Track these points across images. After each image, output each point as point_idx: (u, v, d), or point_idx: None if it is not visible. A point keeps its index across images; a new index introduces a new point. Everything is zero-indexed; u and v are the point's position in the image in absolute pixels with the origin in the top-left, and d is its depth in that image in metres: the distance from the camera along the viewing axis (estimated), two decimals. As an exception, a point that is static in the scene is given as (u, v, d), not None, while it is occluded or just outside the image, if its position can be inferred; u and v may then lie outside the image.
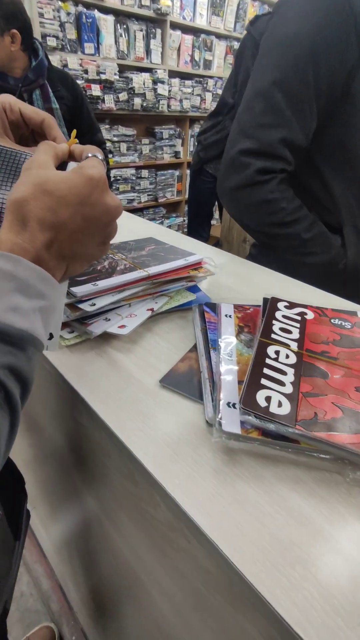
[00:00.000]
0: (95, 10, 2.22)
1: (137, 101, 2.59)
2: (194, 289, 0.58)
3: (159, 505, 0.32)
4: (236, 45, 2.97)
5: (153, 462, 0.32)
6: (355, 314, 0.48)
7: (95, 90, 2.36)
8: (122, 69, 2.48)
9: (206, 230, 2.30)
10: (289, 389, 0.35)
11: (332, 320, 0.46)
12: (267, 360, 0.38)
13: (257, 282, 0.66)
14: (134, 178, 2.89)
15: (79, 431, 0.46)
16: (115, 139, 2.66)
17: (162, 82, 2.66)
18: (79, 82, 2.24)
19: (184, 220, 3.35)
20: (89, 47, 2.28)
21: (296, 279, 0.67)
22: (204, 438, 0.35)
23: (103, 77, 2.35)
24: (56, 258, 0.30)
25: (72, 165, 0.36)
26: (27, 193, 0.28)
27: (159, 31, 2.57)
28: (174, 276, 0.52)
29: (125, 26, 2.40)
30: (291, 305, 0.48)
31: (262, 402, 0.33)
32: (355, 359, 0.39)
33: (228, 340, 0.43)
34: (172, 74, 2.77)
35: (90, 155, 0.33)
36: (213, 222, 3.30)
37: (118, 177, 2.80)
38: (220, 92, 2.98)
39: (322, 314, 0.47)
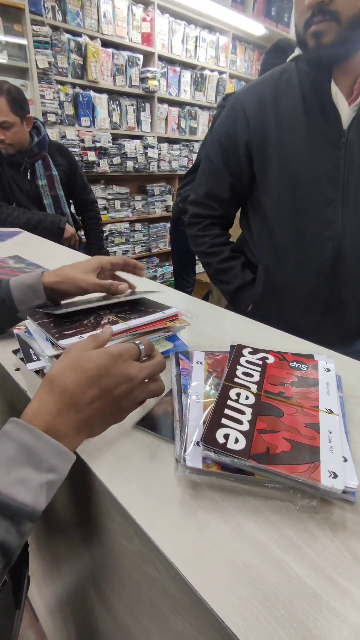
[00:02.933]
0: (91, 90, 2.52)
1: (130, 164, 2.84)
2: (173, 338, 0.64)
3: (132, 538, 0.36)
4: (218, 113, 3.31)
5: (127, 497, 0.36)
6: (312, 357, 0.54)
7: (91, 156, 2.60)
8: (115, 137, 2.75)
9: (191, 276, 2.41)
10: (245, 426, 0.39)
11: (290, 364, 0.52)
12: (229, 402, 0.43)
13: (230, 328, 0.73)
14: (127, 231, 3.08)
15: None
16: (109, 197, 2.88)
17: (152, 147, 2.94)
18: (75, 150, 2.48)
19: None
20: (85, 121, 2.55)
21: (267, 324, 0.74)
22: (173, 475, 0.39)
23: (98, 144, 2.61)
24: (75, 426, 0.33)
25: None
26: (58, 370, 0.35)
27: (147, 105, 2.89)
28: (152, 328, 0.58)
29: (117, 102, 2.70)
30: (255, 351, 0.54)
31: (221, 439, 0.37)
32: (307, 398, 0.45)
33: (197, 385, 0.48)
34: (161, 139, 3.06)
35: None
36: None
37: (113, 231, 2.99)
38: (205, 153, 3.27)
39: (282, 358, 0.53)
